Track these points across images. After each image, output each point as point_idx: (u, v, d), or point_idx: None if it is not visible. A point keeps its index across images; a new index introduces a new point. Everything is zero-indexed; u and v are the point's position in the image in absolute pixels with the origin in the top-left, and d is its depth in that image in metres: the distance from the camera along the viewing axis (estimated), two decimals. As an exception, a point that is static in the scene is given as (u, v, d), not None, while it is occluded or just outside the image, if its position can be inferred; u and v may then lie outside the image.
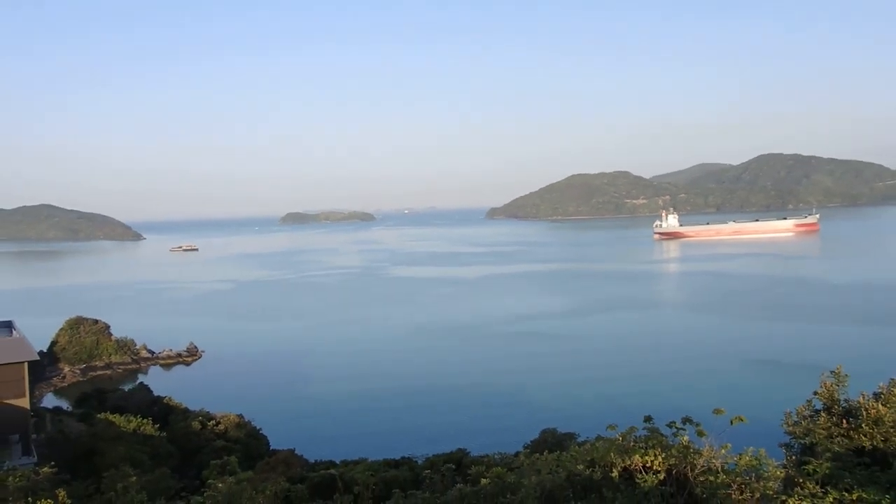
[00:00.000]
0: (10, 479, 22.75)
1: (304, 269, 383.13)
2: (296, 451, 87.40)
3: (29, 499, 18.98)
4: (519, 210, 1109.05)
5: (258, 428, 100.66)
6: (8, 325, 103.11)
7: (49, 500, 17.98)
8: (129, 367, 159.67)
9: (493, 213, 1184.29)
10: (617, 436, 15.58)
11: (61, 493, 19.17)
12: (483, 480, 16.78)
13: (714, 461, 13.97)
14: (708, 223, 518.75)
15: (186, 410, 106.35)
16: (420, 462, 54.20)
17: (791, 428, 17.12)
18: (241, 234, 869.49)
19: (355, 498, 18.62)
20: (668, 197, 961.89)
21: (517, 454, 37.80)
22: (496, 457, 40.77)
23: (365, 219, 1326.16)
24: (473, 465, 24.93)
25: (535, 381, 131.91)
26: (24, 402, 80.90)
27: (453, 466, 20.47)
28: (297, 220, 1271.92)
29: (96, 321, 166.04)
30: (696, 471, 13.87)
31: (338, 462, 77.56)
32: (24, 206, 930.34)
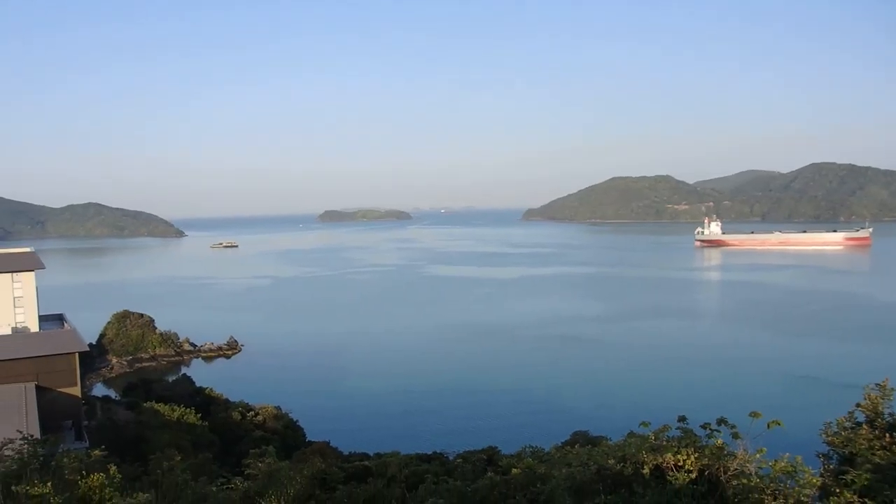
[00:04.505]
0: (65, 460, 24.24)
1: (340, 267, 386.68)
2: (330, 443, 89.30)
3: (83, 472, 20.36)
4: (556, 212, 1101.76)
5: (295, 420, 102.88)
6: (60, 319, 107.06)
7: (101, 474, 19.14)
8: (173, 359, 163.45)
9: (530, 215, 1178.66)
10: (649, 433, 15.64)
11: (112, 468, 20.44)
12: (514, 471, 17.29)
13: (748, 465, 13.86)
14: (752, 232, 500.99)
15: (227, 401, 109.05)
16: (451, 457, 55.03)
17: (830, 438, 16.53)
18: (280, 232, 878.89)
19: (388, 482, 19.34)
20: (711, 203, 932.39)
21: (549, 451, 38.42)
22: (527, 450, 41.33)
23: (401, 217, 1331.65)
24: (505, 459, 25.31)
25: (568, 384, 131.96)
26: (76, 391, 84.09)
27: (485, 458, 21.07)
28: (334, 217, 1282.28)
29: (142, 315, 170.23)
30: (729, 473, 13.81)
31: (371, 454, 79.14)
32: (73, 205, 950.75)
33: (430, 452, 61.97)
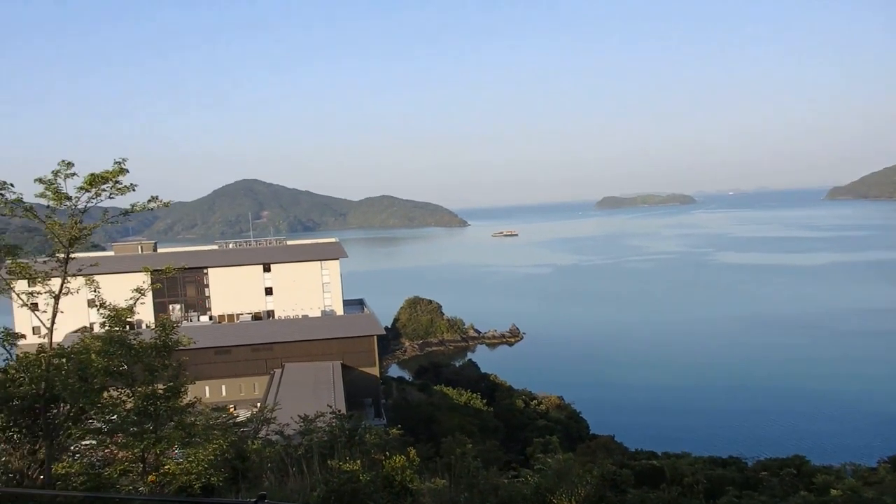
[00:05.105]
0: (368, 435, 25.86)
1: (620, 255, 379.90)
2: (615, 438, 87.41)
3: (386, 453, 21.08)
4: (870, 189, 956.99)
5: (578, 411, 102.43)
6: (360, 303, 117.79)
7: (402, 456, 19.56)
8: (459, 344, 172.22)
9: (836, 193, 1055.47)
10: None
11: (411, 451, 20.89)
12: (833, 491, 14.98)
13: None
14: None
15: (510, 389, 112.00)
16: (749, 464, 50.66)
17: None
18: (558, 220, 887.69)
19: (683, 490, 17.88)
20: None
21: (875, 468, 33.38)
22: (847, 467, 36.36)
23: (684, 202, 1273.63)
24: (818, 474, 22.70)
25: (885, 389, 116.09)
26: (375, 371, 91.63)
27: (794, 471, 18.68)
28: (613, 204, 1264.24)
29: (430, 301, 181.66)
30: None
31: (659, 453, 75.75)
32: (369, 198, 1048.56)
33: (725, 457, 57.57)
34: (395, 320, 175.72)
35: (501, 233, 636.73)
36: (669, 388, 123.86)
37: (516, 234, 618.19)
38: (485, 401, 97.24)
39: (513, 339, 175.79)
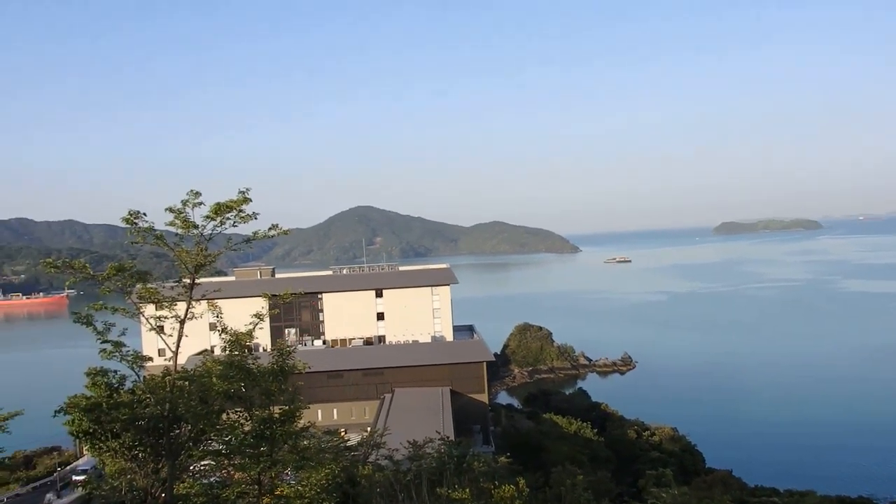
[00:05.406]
0: (476, 463, 25.67)
1: (740, 281, 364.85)
2: (733, 473, 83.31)
3: (495, 482, 20.79)
4: None
5: (693, 443, 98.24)
6: (470, 329, 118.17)
7: (511, 486, 19.23)
8: (569, 372, 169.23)
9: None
10: None
11: (521, 481, 20.50)
12: None
13: None
14: None
15: (622, 418, 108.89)
16: (882, 504, 47.07)
17: None
18: (673, 245, 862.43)
19: None
20: None
21: None
22: None
23: (809, 227, 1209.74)
24: None
25: None
26: (484, 398, 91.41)
27: None
28: (731, 229, 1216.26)
29: (540, 328, 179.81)
30: None
31: (781, 490, 71.55)
32: (480, 224, 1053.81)
33: (854, 496, 53.80)
34: (505, 346, 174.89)
35: (614, 259, 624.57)
36: (791, 422, 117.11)
37: (629, 261, 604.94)
38: (595, 430, 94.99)
39: (625, 368, 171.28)
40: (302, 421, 22.80)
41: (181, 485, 19.00)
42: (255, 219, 21.47)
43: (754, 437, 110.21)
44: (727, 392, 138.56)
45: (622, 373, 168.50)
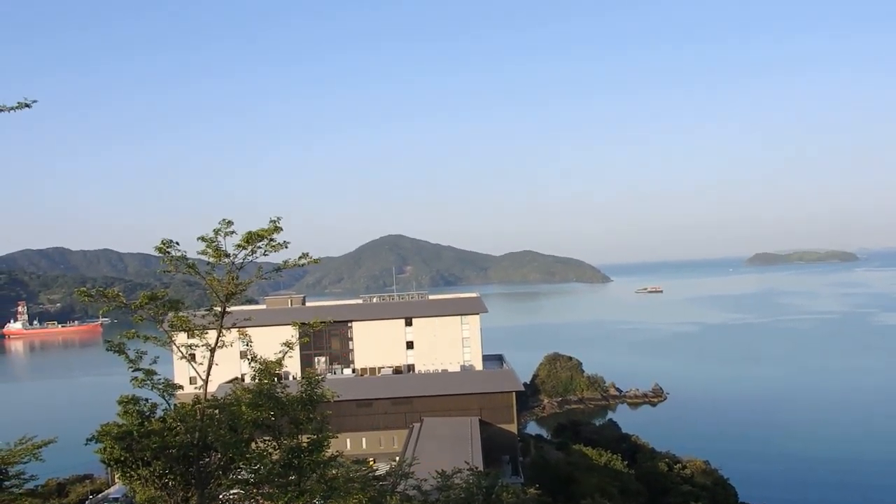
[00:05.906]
0: (504, 494, 25.37)
1: (775, 313, 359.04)
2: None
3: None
4: None
5: (725, 477, 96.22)
6: (499, 359, 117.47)
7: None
8: (599, 402, 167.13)
9: None
10: None
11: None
12: None
13: None
14: None
15: (653, 451, 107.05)
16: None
17: None
18: (706, 276, 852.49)
19: None
20: None
21: None
22: None
23: (845, 259, 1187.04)
24: None
25: None
26: (513, 428, 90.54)
27: None
28: (765, 260, 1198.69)
29: (570, 358, 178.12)
30: None
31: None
32: (511, 253, 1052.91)
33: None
34: (534, 376, 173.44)
35: (645, 289, 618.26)
36: (827, 458, 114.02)
37: (661, 291, 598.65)
38: (625, 462, 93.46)
39: (656, 399, 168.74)
40: (330, 450, 22.78)
41: (210, 513, 19.05)
42: (286, 247, 21.70)
43: (789, 473, 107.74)
44: (761, 426, 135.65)
45: (653, 404, 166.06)
